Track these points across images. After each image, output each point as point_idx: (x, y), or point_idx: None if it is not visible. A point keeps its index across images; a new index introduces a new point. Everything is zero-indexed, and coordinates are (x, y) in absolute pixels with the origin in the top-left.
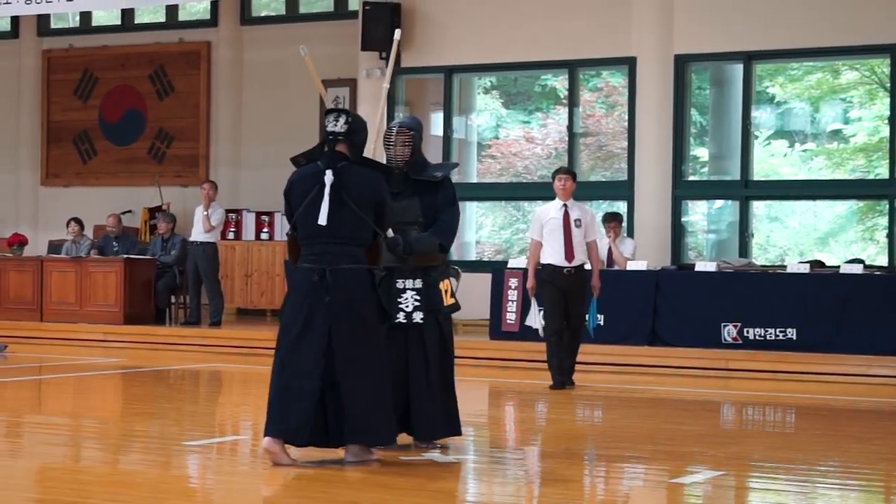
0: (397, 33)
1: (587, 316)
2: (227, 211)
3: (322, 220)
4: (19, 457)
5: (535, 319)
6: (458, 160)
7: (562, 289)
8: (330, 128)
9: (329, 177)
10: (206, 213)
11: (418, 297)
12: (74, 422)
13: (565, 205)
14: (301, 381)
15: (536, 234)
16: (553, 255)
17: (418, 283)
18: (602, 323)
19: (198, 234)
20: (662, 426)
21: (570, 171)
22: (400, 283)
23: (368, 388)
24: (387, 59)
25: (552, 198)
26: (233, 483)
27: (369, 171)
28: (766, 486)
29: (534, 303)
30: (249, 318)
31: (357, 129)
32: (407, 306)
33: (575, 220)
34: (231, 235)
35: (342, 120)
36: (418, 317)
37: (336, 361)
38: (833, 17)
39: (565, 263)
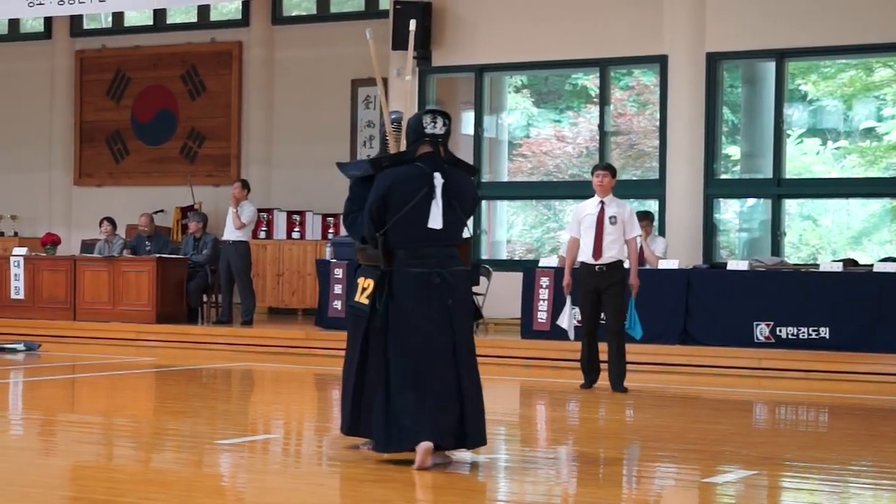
0: (412, 24)
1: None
2: (259, 210)
3: (437, 223)
4: (53, 455)
5: (566, 319)
6: (489, 159)
7: (594, 287)
8: (429, 129)
9: (439, 179)
10: (234, 210)
11: None
12: (107, 420)
13: (602, 201)
14: (441, 384)
15: (574, 231)
16: (585, 252)
17: None
18: (630, 325)
19: (230, 233)
20: (694, 425)
21: (608, 166)
22: None
23: (479, 390)
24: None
25: (583, 196)
26: (265, 482)
27: (465, 174)
28: (798, 486)
29: (567, 302)
30: (281, 318)
31: (450, 131)
32: None
33: (610, 217)
34: (262, 235)
35: (440, 122)
36: None
37: (458, 363)
38: (866, 15)
39: (593, 261)
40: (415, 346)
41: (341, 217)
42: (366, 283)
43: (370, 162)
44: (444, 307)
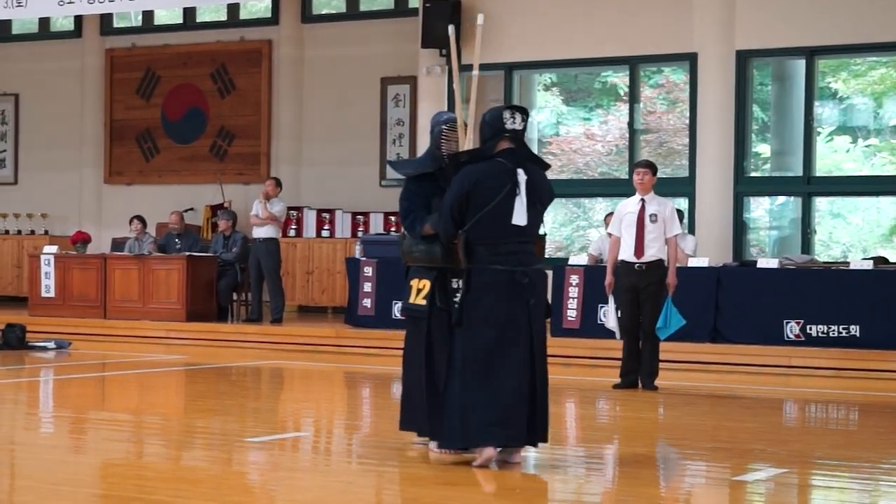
0: (480, 18)
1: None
2: (289, 208)
3: (522, 220)
4: (83, 453)
5: (612, 319)
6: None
7: (633, 285)
8: (509, 125)
9: (522, 175)
10: (263, 202)
11: None
12: (137, 418)
13: (643, 199)
14: (514, 382)
15: (615, 229)
16: (625, 250)
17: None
18: (663, 325)
19: (260, 231)
20: (724, 423)
21: (648, 164)
22: (455, 283)
23: (547, 389)
24: (451, 53)
25: (612, 194)
26: (295, 480)
27: (541, 170)
28: (828, 485)
29: (611, 302)
30: (311, 315)
31: (527, 127)
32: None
33: (650, 216)
34: (292, 233)
35: (519, 118)
36: None
37: (535, 362)
38: None
39: (635, 259)
40: (489, 342)
41: (400, 215)
42: (420, 285)
43: (449, 157)
44: (524, 305)
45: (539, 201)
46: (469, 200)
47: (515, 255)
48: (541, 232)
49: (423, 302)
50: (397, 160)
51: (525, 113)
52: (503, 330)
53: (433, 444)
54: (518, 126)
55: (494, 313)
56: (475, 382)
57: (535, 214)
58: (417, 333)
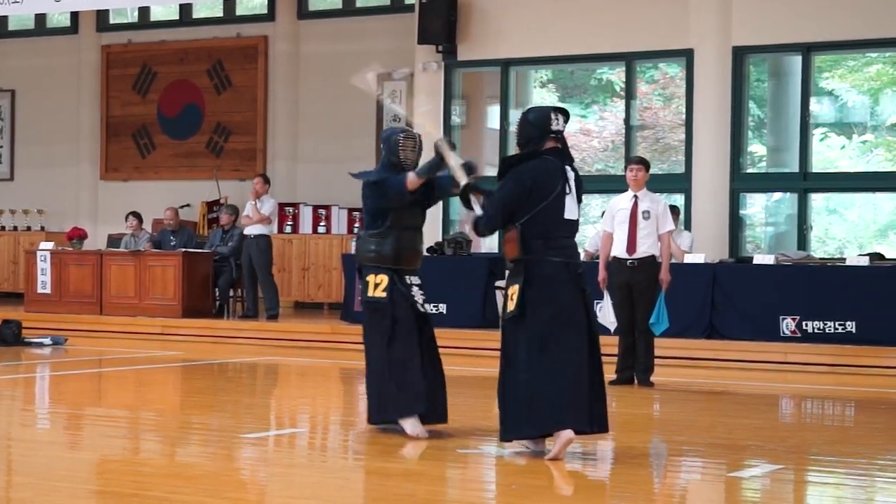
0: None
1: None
2: (285, 205)
3: (573, 214)
4: (80, 449)
5: (607, 316)
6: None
7: (626, 282)
8: (555, 126)
9: (570, 173)
10: (253, 202)
11: (422, 292)
12: (134, 414)
13: (636, 196)
14: (579, 370)
15: (608, 225)
16: (618, 246)
17: (417, 280)
18: (656, 320)
19: (252, 228)
20: (720, 419)
21: (641, 160)
22: (408, 279)
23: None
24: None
25: (609, 191)
26: (290, 476)
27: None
28: (824, 481)
29: (606, 298)
30: (307, 312)
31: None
32: (418, 299)
33: (643, 212)
34: (288, 229)
35: (562, 118)
36: (428, 307)
37: (595, 349)
38: (892, 8)
39: (627, 255)
40: (553, 330)
41: (375, 198)
42: (378, 279)
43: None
44: (581, 295)
45: (580, 197)
46: (529, 197)
47: (567, 248)
48: None
49: (384, 294)
50: (356, 172)
51: (567, 114)
52: (566, 318)
53: (405, 423)
54: (562, 127)
55: (556, 302)
56: (542, 370)
57: (579, 210)
58: (379, 325)
